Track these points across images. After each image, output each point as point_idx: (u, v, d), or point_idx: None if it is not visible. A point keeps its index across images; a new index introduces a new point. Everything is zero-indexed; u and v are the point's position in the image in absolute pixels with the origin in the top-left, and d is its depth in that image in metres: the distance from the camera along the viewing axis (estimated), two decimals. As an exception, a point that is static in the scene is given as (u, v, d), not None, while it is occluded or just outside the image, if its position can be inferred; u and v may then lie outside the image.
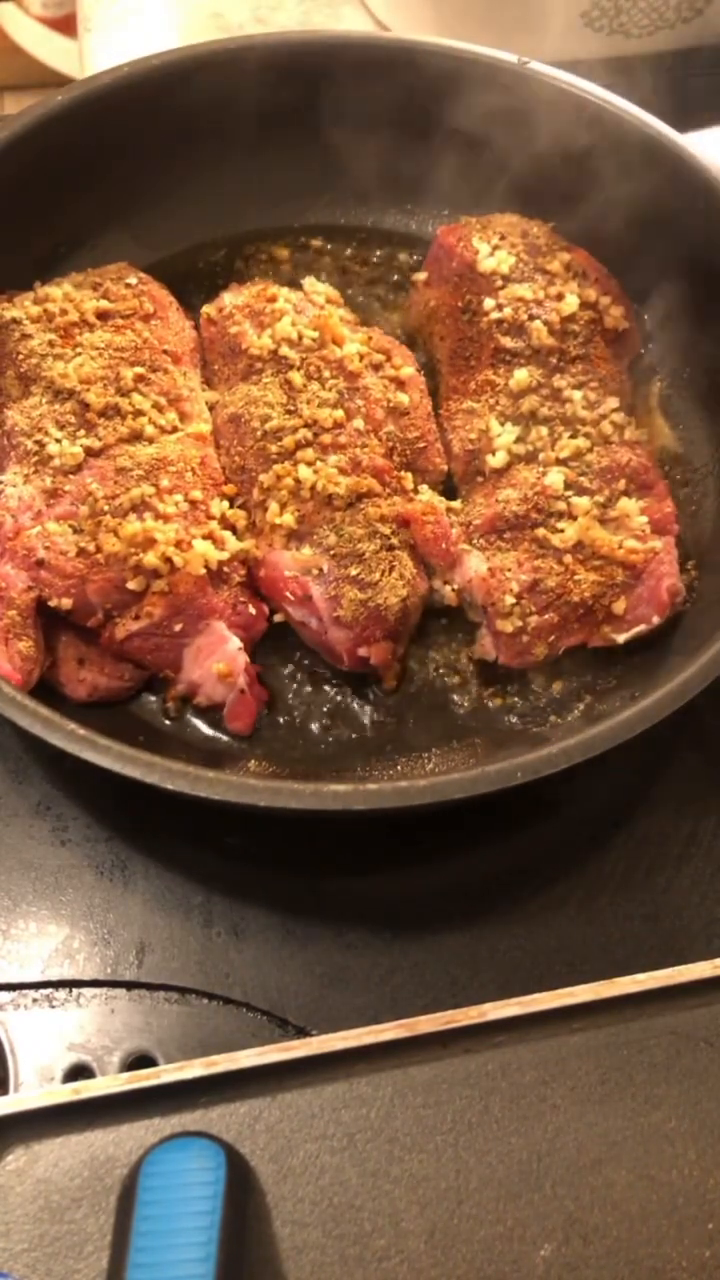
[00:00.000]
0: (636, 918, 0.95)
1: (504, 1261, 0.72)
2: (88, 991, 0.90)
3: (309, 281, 1.17)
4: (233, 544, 1.01)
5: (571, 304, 1.11)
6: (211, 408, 1.10)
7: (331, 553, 0.99)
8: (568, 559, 1.00)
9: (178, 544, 0.97)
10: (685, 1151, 0.76)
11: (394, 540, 1.01)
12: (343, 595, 0.98)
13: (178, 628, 0.97)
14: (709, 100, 1.32)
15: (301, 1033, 0.88)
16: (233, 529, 1.03)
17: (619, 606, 0.99)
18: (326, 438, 1.03)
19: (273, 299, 1.12)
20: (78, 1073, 0.87)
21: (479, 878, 0.98)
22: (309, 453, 1.02)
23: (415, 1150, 0.75)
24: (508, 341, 1.09)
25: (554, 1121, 0.76)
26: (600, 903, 0.95)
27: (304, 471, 1.01)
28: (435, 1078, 0.77)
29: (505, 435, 1.05)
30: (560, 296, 1.12)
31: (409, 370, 1.10)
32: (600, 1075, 0.78)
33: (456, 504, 1.06)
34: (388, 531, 1.00)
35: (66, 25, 2.32)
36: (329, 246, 1.28)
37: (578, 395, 1.07)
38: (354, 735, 1.00)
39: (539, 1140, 0.76)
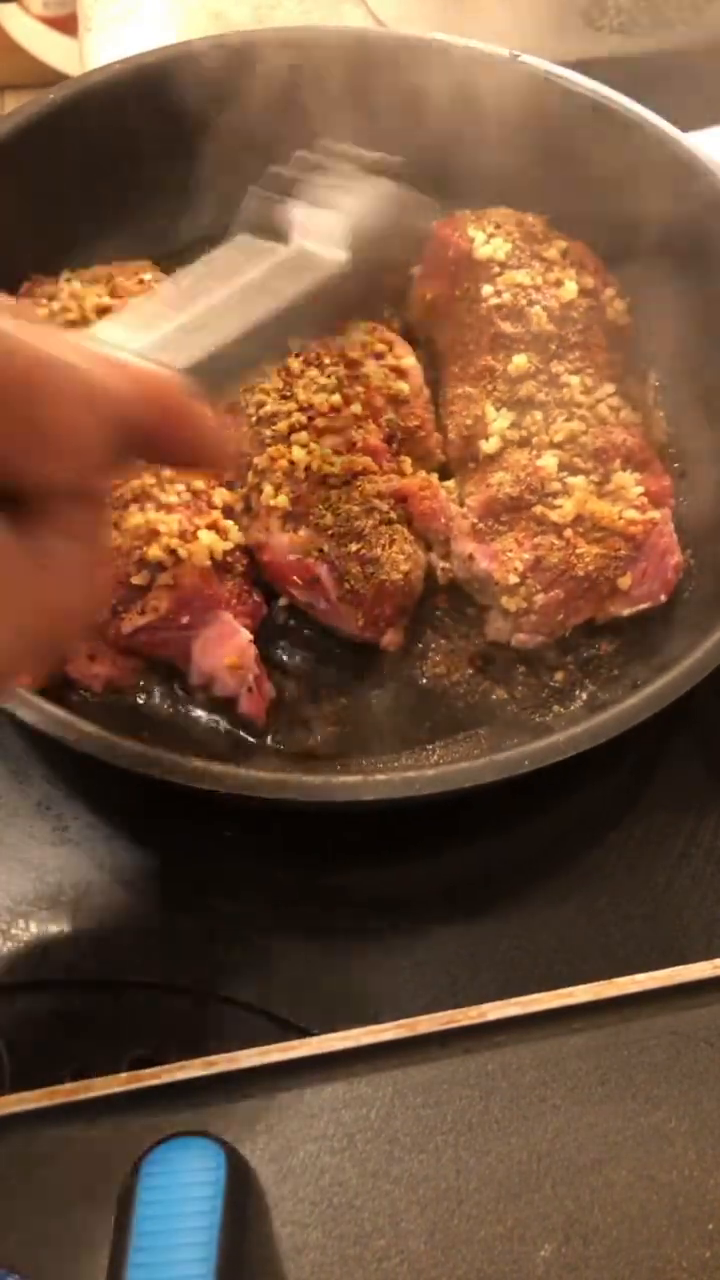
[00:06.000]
0: (636, 918, 0.94)
1: (504, 1261, 0.72)
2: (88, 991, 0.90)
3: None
4: (235, 533, 1.00)
5: (570, 290, 1.11)
6: (212, 406, 1.09)
7: (330, 532, 0.99)
8: (568, 533, 1.00)
9: (181, 535, 0.96)
10: (685, 1151, 0.76)
11: (392, 515, 1.01)
12: (348, 573, 0.98)
13: (184, 621, 0.96)
14: (709, 100, 1.32)
15: (302, 1033, 0.88)
16: (233, 516, 1.02)
17: (624, 582, 1.00)
18: (322, 421, 1.02)
19: (271, 292, 1.12)
20: (78, 1073, 0.87)
21: (479, 877, 0.98)
22: (304, 435, 1.02)
23: (415, 1150, 0.75)
24: (507, 327, 1.09)
25: (554, 1121, 0.76)
26: (600, 903, 0.95)
27: (298, 452, 1.00)
28: (435, 1078, 0.77)
29: (500, 421, 1.05)
30: (559, 283, 1.12)
31: (409, 360, 1.10)
32: (600, 1075, 0.78)
33: (450, 484, 1.06)
34: (385, 507, 1.00)
35: (67, 24, 2.32)
36: (328, 245, 1.28)
37: (575, 380, 1.07)
38: (357, 729, 1.00)
39: (539, 1140, 0.76)
